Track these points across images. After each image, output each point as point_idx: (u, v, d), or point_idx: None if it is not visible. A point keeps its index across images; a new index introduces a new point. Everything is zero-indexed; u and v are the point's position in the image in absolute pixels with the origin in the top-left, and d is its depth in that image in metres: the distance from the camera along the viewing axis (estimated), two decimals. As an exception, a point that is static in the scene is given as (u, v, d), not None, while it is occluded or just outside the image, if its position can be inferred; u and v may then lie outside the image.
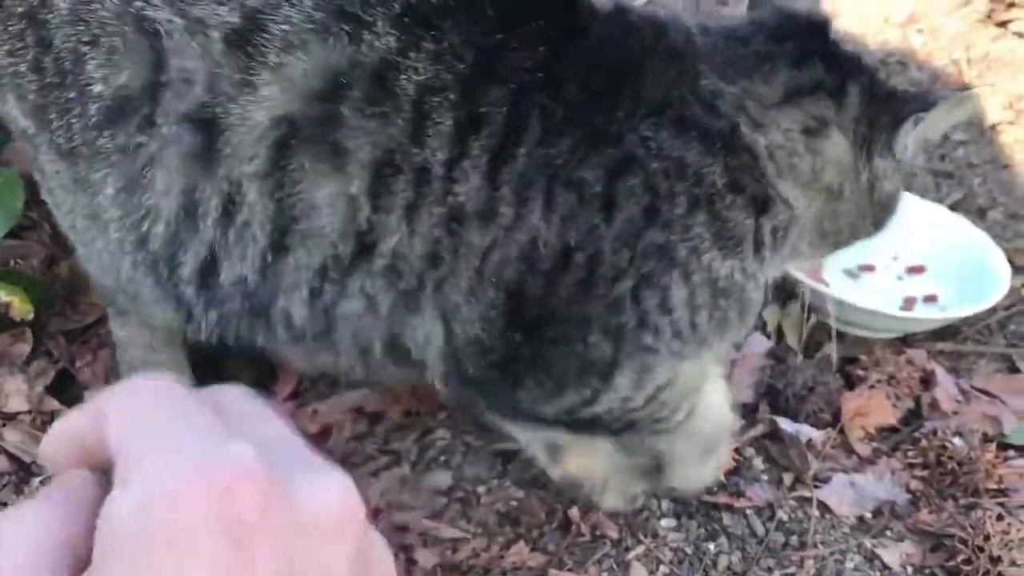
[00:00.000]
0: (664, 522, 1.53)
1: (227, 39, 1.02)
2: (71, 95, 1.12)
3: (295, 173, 1.05)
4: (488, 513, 1.54)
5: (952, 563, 1.44)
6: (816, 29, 1.18)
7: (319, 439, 1.63)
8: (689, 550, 1.49)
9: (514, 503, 1.56)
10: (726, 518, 1.54)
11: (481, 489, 1.59)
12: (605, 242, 1.07)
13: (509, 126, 1.04)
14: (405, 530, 1.49)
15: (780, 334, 1.86)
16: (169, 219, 1.14)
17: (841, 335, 1.88)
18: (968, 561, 1.43)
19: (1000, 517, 1.46)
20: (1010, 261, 2.11)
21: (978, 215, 2.27)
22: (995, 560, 1.41)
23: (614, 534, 1.51)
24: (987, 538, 1.42)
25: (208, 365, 1.71)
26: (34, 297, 1.65)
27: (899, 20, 3.06)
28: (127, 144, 1.10)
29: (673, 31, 1.13)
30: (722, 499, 1.57)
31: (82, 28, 1.08)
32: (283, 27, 1.00)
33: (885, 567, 1.47)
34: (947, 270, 1.95)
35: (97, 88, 1.09)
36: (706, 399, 1.31)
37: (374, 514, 1.51)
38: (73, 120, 1.15)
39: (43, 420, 1.59)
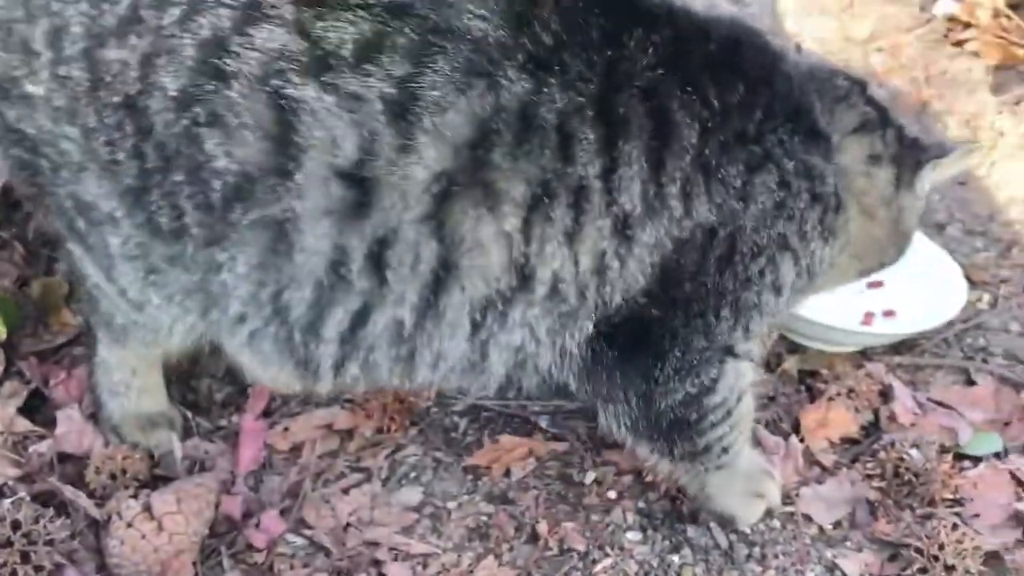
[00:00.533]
0: (630, 535, 1.57)
1: (387, 108, 1.09)
2: (178, 177, 1.16)
3: (456, 216, 1.14)
4: (458, 528, 1.57)
5: (908, 572, 1.48)
6: (862, 82, 1.42)
7: (291, 456, 1.65)
8: (655, 562, 1.52)
9: (484, 518, 1.59)
10: (690, 530, 1.57)
11: (451, 505, 1.61)
12: (745, 225, 1.25)
13: (655, 126, 1.18)
14: (376, 546, 1.51)
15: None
16: (317, 280, 1.19)
17: (803, 349, 1.93)
18: (924, 570, 1.47)
19: (955, 527, 1.50)
20: (967, 276, 2.17)
21: (936, 230, 2.33)
22: (949, 568, 1.45)
23: (581, 547, 1.54)
24: (942, 547, 1.46)
25: (182, 381, 1.74)
26: (6, 317, 1.66)
27: (860, 39, 3.13)
28: (262, 218, 1.15)
29: (785, 52, 1.37)
30: (687, 510, 1.60)
31: (198, 110, 1.11)
32: (432, 92, 1.09)
33: (845, 577, 1.51)
34: (905, 285, 1.99)
35: (220, 163, 1.13)
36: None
37: (344, 529, 1.54)
38: (184, 201, 1.18)
39: (15, 441, 1.60)
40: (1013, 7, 2.91)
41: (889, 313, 1.99)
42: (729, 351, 1.40)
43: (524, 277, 1.20)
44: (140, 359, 1.57)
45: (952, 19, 3.07)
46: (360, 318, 1.24)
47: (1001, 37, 2.90)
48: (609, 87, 1.17)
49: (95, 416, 1.64)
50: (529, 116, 1.13)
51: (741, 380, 1.44)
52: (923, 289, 1.97)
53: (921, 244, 2.05)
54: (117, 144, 1.18)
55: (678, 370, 1.34)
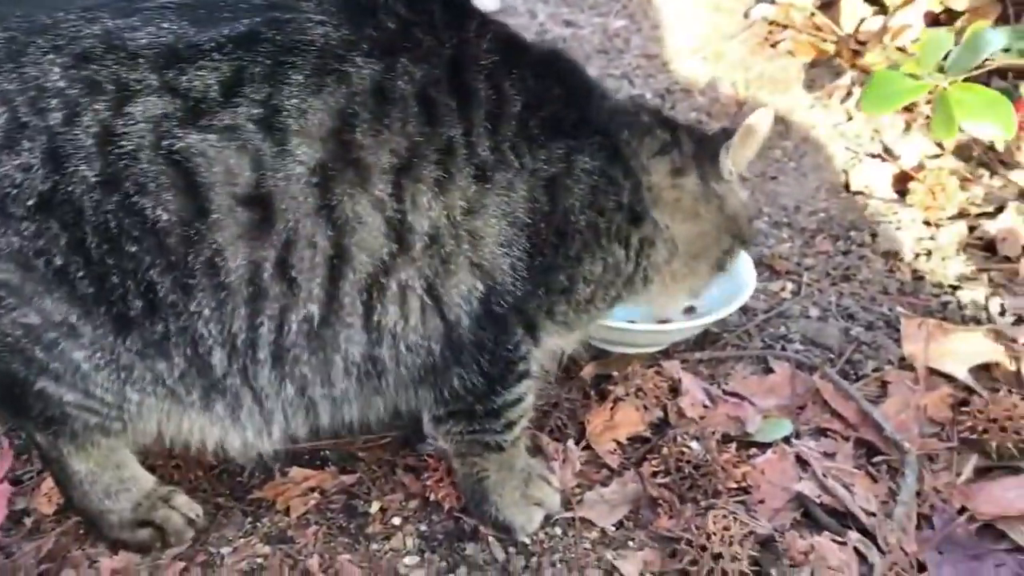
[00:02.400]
0: (408, 559, 1.53)
1: (258, 126, 1.21)
2: (132, 248, 1.22)
3: (338, 199, 1.25)
4: (230, 574, 1.51)
5: (681, 565, 1.46)
6: (656, 111, 1.66)
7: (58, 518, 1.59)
8: (430, 585, 1.48)
9: (259, 560, 1.54)
10: (469, 548, 1.54)
11: (226, 550, 1.56)
12: (573, 204, 1.42)
13: (495, 99, 1.35)
14: (135, 605, 1.45)
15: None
16: (245, 299, 1.26)
17: (605, 355, 1.92)
18: (694, 562, 1.45)
19: (727, 515, 1.49)
20: (771, 267, 2.20)
21: (743, 244, 2.35)
22: (716, 557, 1.44)
23: (356, 579, 1.49)
24: (709, 537, 1.45)
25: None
26: None
27: (687, 49, 3.19)
28: (208, 258, 1.23)
29: (598, 84, 1.58)
30: (468, 528, 1.57)
31: (126, 184, 1.19)
32: (292, 101, 1.22)
33: (623, 578, 1.49)
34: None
35: (165, 218, 1.21)
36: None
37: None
38: (151, 272, 1.23)
39: None
40: (823, 7, 2.99)
41: (689, 309, 1.99)
42: (532, 329, 1.45)
43: (401, 236, 1.29)
44: (118, 453, 1.52)
45: (771, 22, 3.15)
46: (280, 324, 1.30)
47: (813, 35, 2.97)
48: (458, 63, 1.34)
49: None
50: (385, 92, 1.27)
51: (534, 364, 1.50)
52: (721, 284, 1.97)
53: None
54: (50, 250, 1.21)
55: (506, 328, 1.43)
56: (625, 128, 1.53)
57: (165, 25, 1.23)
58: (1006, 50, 2.15)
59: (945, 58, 2.00)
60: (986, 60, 2.01)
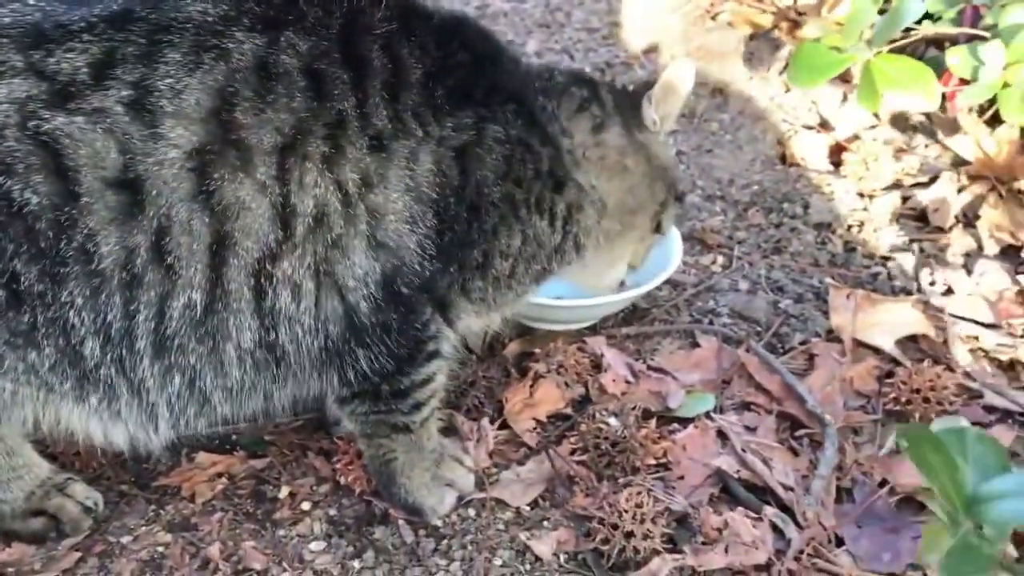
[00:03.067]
0: (313, 545, 1.48)
1: (127, 109, 1.16)
2: None
3: (217, 184, 1.19)
4: (129, 564, 1.46)
5: (594, 544, 1.43)
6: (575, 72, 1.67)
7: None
8: (335, 571, 1.44)
9: (160, 549, 1.48)
10: (378, 531, 1.50)
11: (126, 539, 1.50)
12: (486, 175, 1.37)
13: (392, 68, 1.30)
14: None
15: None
16: (119, 286, 1.20)
17: (530, 332, 1.88)
18: (606, 540, 1.42)
19: (641, 492, 1.45)
20: (702, 240, 2.17)
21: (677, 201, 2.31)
22: (628, 535, 1.40)
23: (259, 566, 1.44)
24: (621, 515, 1.41)
25: None
26: None
27: (629, 22, 3.14)
28: (80, 244, 1.17)
29: (511, 52, 1.53)
30: (378, 512, 1.52)
31: None
32: (166, 81, 1.17)
33: (536, 559, 1.45)
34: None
35: (35, 202, 1.15)
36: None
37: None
38: (16, 261, 1.16)
39: None
40: (764, -24, 2.95)
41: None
42: (443, 308, 1.41)
43: (286, 221, 1.23)
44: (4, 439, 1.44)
45: (713, -6, 3.10)
46: (160, 311, 1.23)
47: (752, 7, 2.93)
48: (350, 33, 1.29)
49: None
50: (268, 67, 1.22)
51: (446, 344, 1.45)
52: (652, 257, 1.93)
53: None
54: None
55: (414, 308, 1.38)
56: (540, 93, 1.48)
57: (32, 2, 1.18)
58: (937, 19, 2.12)
59: (870, 29, 1.96)
60: (912, 30, 1.98)
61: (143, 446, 1.38)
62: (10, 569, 1.44)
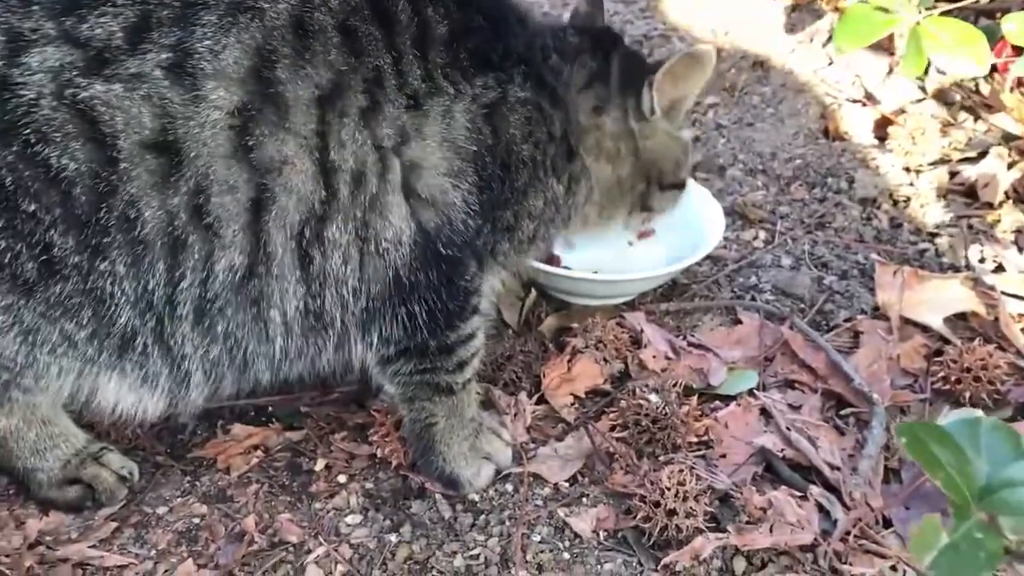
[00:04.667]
0: (350, 519, 1.46)
1: (166, 73, 1.15)
2: (31, 207, 1.14)
3: (259, 141, 1.18)
4: (165, 535, 1.45)
5: (634, 522, 1.40)
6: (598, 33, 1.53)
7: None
8: (372, 544, 1.42)
9: (196, 520, 1.47)
10: (415, 506, 1.48)
11: (162, 510, 1.49)
12: (514, 134, 1.36)
13: (419, 26, 1.28)
14: (64, 563, 1.39)
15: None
16: (163, 251, 1.19)
17: (567, 307, 1.85)
18: (648, 518, 1.38)
19: (683, 470, 1.42)
20: (743, 215, 2.12)
21: (718, 173, 2.27)
22: (671, 513, 1.37)
23: (295, 538, 1.43)
24: (663, 493, 1.38)
25: None
26: None
27: (664, -6, 3.08)
28: (122, 211, 1.16)
29: (518, 10, 1.45)
30: (415, 485, 1.50)
31: (26, 133, 1.12)
32: (204, 43, 1.16)
33: (575, 536, 1.42)
34: (672, 230, 1.91)
35: (72, 167, 1.13)
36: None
37: (30, 548, 1.41)
38: (50, 230, 1.15)
39: None
40: (807, -54, 2.87)
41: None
42: (480, 264, 1.40)
43: (328, 176, 1.22)
44: (37, 408, 1.44)
45: (753, -35, 3.03)
46: (202, 275, 1.22)
47: (794, -24, 2.86)
48: None
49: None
50: (304, 25, 1.21)
51: (485, 301, 1.46)
52: (688, 232, 1.90)
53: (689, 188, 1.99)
54: None
55: (462, 261, 1.37)
56: (552, 54, 1.45)
57: None
58: (991, -15, 2.05)
59: (922, -8, 1.90)
60: (964, -5, 1.91)
61: (173, 414, 1.36)
62: (47, 538, 1.44)
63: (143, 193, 1.17)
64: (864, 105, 2.40)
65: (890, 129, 2.28)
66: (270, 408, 1.66)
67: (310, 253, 1.25)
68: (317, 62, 1.21)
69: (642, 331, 1.73)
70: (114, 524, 1.46)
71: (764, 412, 1.61)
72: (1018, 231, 2.02)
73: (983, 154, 2.19)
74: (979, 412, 1.57)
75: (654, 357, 1.69)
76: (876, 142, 2.31)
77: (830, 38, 2.66)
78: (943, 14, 1.81)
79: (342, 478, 1.54)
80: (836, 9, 2.71)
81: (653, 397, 1.55)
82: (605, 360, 1.68)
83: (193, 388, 1.31)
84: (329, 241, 1.25)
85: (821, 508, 1.42)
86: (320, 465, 1.56)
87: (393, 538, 1.42)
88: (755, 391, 1.66)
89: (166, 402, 1.33)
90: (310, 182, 1.22)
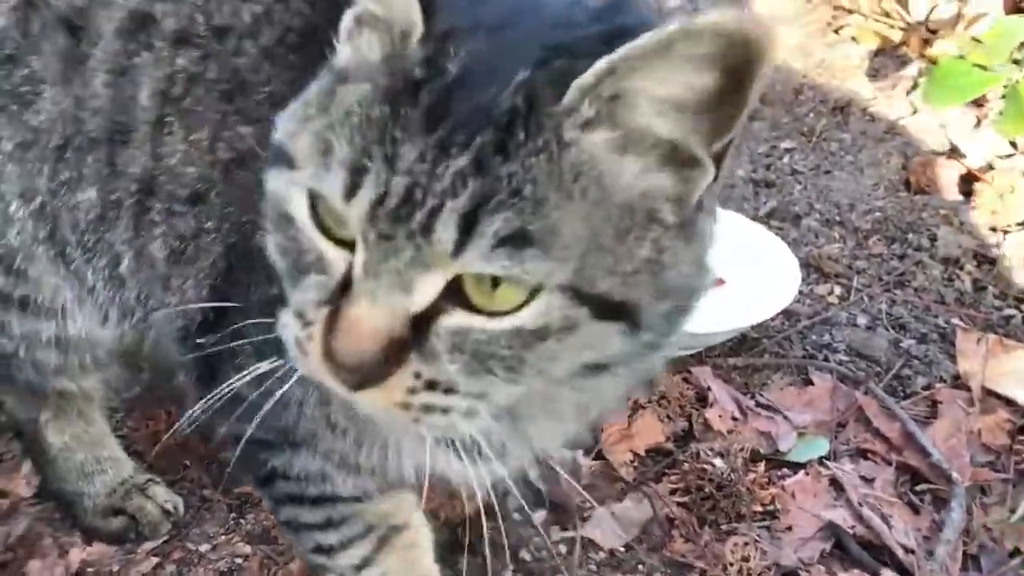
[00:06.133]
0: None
1: None
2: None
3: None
4: (207, 573, 1.41)
5: (693, 596, 1.33)
6: None
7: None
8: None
9: (239, 560, 1.44)
10: (463, 561, 1.42)
11: (205, 548, 1.46)
12: None
13: None
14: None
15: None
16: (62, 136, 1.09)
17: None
18: (707, 593, 1.31)
19: (748, 543, 1.34)
20: (818, 268, 2.04)
21: (793, 222, 2.19)
22: (732, 590, 1.29)
23: (337, 588, 1.38)
24: (726, 568, 1.31)
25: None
26: None
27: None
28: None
29: None
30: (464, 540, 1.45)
31: None
32: None
33: (630, 605, 1.35)
34: (745, 282, 1.83)
35: None
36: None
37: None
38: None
39: None
40: (892, -10, 2.79)
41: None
42: None
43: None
44: (87, 422, 1.44)
45: (835, 6, 2.95)
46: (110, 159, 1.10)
47: (880, 21, 2.77)
48: None
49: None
50: None
51: None
52: (758, 283, 1.82)
53: (762, 237, 1.93)
54: None
55: None
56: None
57: None
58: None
59: (1020, 48, 1.81)
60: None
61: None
62: (90, 569, 1.41)
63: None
64: (949, 158, 2.30)
65: (976, 185, 2.18)
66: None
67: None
68: None
69: (709, 388, 1.66)
70: (156, 559, 1.43)
71: (835, 483, 1.52)
72: (1113, 301, 1.90)
73: (1077, 216, 2.08)
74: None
75: (720, 417, 1.61)
76: (961, 198, 2.21)
77: (915, 85, 2.56)
78: (1045, 72, 1.72)
79: (391, 525, 1.48)
80: (922, 56, 2.62)
81: (718, 461, 1.48)
82: (668, 417, 1.61)
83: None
84: None
85: (894, 595, 1.34)
86: (368, 510, 1.51)
87: (435, 595, 1.37)
88: (825, 460, 1.57)
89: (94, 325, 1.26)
90: None
